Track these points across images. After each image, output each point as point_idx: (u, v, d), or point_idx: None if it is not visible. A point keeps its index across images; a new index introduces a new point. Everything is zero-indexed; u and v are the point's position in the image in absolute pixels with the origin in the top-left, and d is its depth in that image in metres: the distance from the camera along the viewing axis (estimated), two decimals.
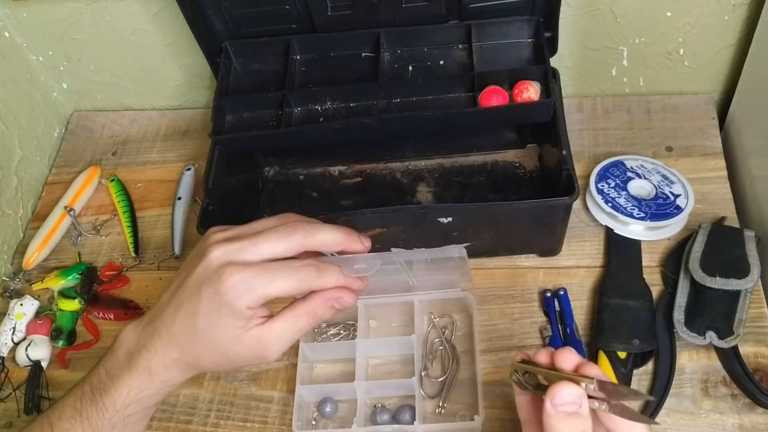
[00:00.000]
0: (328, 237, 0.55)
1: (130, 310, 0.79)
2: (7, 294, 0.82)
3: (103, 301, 0.80)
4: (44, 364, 0.76)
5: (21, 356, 0.76)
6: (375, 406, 0.69)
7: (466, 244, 0.73)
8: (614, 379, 0.65)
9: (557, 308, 0.72)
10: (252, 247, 0.53)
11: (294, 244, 0.53)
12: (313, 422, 0.69)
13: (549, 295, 0.73)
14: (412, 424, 0.65)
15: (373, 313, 0.74)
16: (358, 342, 0.70)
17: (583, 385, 0.43)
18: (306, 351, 0.71)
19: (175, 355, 0.53)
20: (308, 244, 0.54)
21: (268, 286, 0.51)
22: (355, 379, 0.68)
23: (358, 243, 0.57)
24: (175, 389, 0.56)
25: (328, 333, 0.74)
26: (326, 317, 0.55)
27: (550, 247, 0.76)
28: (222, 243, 0.53)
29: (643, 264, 0.74)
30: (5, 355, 0.77)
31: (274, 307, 0.55)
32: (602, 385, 0.43)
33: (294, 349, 0.71)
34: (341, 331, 0.74)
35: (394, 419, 0.67)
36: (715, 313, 0.67)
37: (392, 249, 0.68)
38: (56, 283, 0.81)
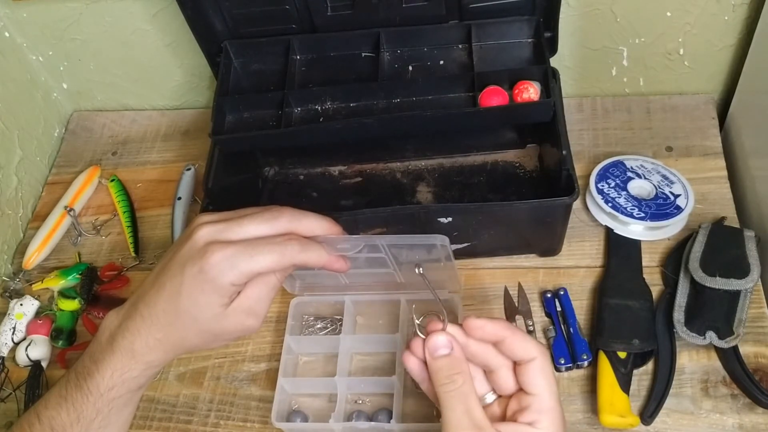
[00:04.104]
0: (313, 223, 0.56)
1: None
2: (7, 294, 0.82)
3: (103, 301, 0.80)
4: (44, 364, 0.76)
5: (21, 356, 0.76)
6: (355, 402, 0.69)
7: (466, 244, 0.73)
8: (614, 380, 0.65)
9: (558, 308, 0.72)
10: (237, 227, 0.53)
11: (279, 227, 0.54)
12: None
13: (549, 296, 0.73)
14: (389, 422, 0.65)
15: (361, 310, 0.75)
16: (342, 337, 0.70)
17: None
18: (291, 343, 0.71)
19: (158, 335, 0.53)
20: (293, 228, 0.55)
21: (251, 262, 0.52)
22: (337, 374, 0.68)
23: (342, 233, 0.58)
24: (159, 373, 0.56)
25: (315, 327, 0.74)
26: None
27: (550, 247, 0.76)
28: (209, 224, 0.53)
29: (643, 264, 0.74)
30: (5, 355, 0.77)
31: None
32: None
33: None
34: (328, 326, 0.74)
35: (371, 421, 0.68)
36: (715, 313, 0.66)
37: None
38: (56, 283, 0.81)
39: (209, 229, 0.53)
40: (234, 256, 0.51)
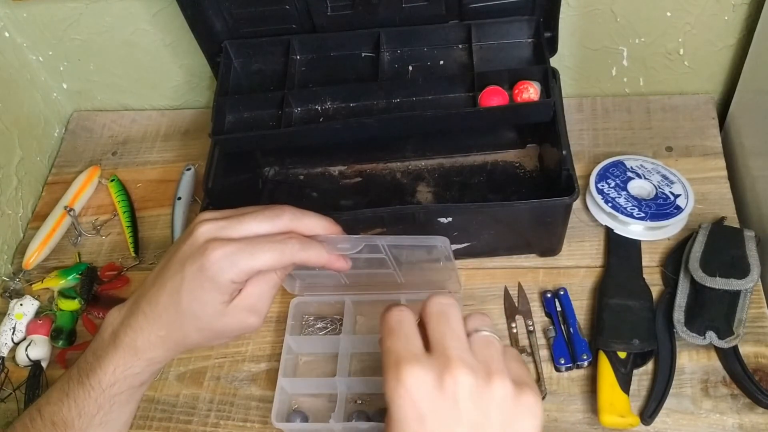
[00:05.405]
0: (314, 222, 0.56)
1: None
2: (7, 294, 0.82)
3: (103, 301, 0.80)
4: (44, 364, 0.76)
5: (21, 356, 0.76)
6: (355, 402, 0.69)
7: (466, 244, 0.73)
8: (614, 380, 0.65)
9: (558, 308, 0.72)
10: (237, 225, 0.53)
11: (280, 225, 0.54)
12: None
13: (549, 296, 0.73)
14: None
15: (361, 310, 0.75)
16: (342, 337, 0.70)
17: None
18: (291, 343, 0.71)
19: (161, 333, 0.53)
20: (294, 226, 0.55)
21: (251, 260, 0.52)
22: (337, 374, 0.68)
23: (342, 232, 0.58)
24: (161, 370, 0.57)
25: (315, 327, 0.74)
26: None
27: (550, 247, 0.76)
28: (209, 221, 0.54)
29: (643, 264, 0.74)
30: (5, 355, 0.77)
31: None
32: None
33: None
34: (328, 326, 0.74)
35: (371, 421, 0.68)
36: (715, 313, 0.67)
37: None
38: (56, 283, 0.81)
39: (210, 226, 0.53)
40: (234, 254, 0.51)
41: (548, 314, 0.72)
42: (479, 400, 0.42)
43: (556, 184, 0.69)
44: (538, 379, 0.68)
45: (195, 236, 0.53)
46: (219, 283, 0.52)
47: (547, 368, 0.69)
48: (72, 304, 0.79)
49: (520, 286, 0.75)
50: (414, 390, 0.42)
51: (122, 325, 0.54)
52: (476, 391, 0.42)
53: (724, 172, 0.80)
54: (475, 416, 0.41)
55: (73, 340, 0.78)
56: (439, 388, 0.42)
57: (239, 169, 0.79)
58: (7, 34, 0.89)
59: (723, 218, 0.76)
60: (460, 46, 0.76)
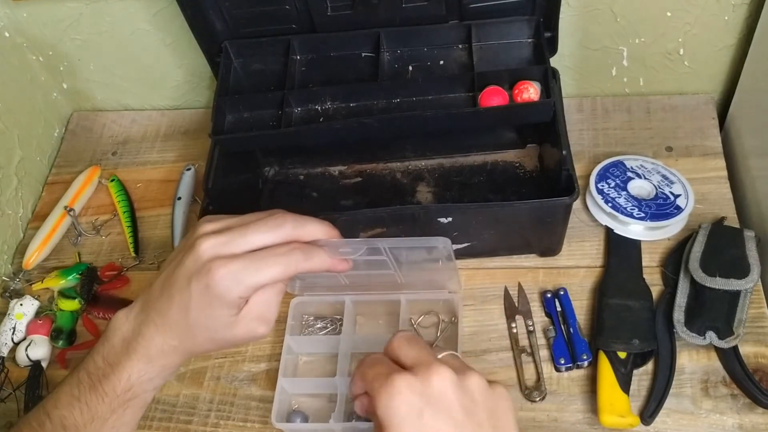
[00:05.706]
0: (315, 228, 0.56)
1: None
2: (7, 294, 0.82)
3: (103, 301, 0.80)
4: (44, 364, 0.76)
5: (21, 356, 0.76)
6: (353, 404, 0.69)
7: (466, 244, 0.73)
8: (614, 380, 0.65)
9: (558, 308, 0.72)
10: (240, 239, 0.53)
11: (283, 235, 0.54)
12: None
13: (549, 296, 0.73)
14: None
15: (361, 310, 0.75)
16: (342, 337, 0.70)
17: None
18: (291, 343, 0.71)
19: (174, 342, 0.54)
20: (297, 235, 0.55)
21: (257, 276, 0.52)
22: (337, 374, 0.68)
23: (340, 235, 0.58)
24: (174, 373, 0.58)
25: (315, 327, 0.74)
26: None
27: (550, 247, 0.76)
28: (211, 235, 0.53)
29: (643, 264, 0.74)
30: (5, 355, 0.77)
31: None
32: None
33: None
34: (328, 326, 0.74)
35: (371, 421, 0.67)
36: (715, 313, 0.67)
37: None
38: (56, 283, 0.81)
39: (212, 242, 0.53)
40: (239, 271, 0.51)
41: (548, 314, 0.72)
42: (463, 389, 0.47)
43: (556, 184, 0.69)
44: (538, 379, 0.69)
45: (198, 252, 0.52)
46: (227, 300, 0.52)
47: (547, 368, 0.69)
48: (72, 304, 0.79)
49: (520, 286, 0.75)
50: (408, 392, 0.46)
51: (134, 333, 0.54)
52: (459, 383, 0.47)
53: (724, 172, 0.80)
54: (464, 402, 0.47)
55: (73, 340, 0.78)
56: (429, 385, 0.46)
57: (239, 169, 0.79)
58: (7, 34, 0.89)
59: (723, 218, 0.76)
60: (460, 46, 0.76)
